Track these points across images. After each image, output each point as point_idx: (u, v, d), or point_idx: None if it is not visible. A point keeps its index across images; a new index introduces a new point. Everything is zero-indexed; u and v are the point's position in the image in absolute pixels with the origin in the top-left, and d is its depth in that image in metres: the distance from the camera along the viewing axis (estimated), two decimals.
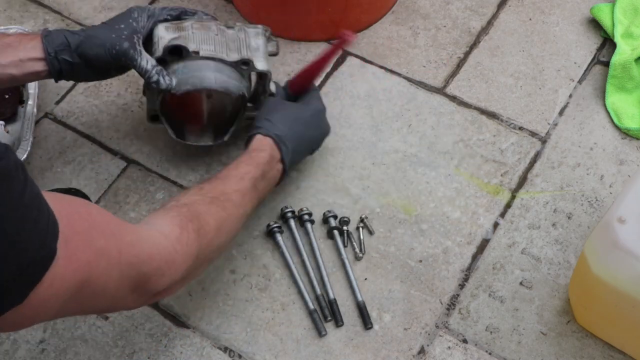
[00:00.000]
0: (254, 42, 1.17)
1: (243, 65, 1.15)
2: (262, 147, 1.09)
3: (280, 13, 1.38)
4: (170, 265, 0.89)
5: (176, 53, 1.12)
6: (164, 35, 1.13)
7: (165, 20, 1.15)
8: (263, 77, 1.18)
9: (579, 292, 1.06)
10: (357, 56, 1.38)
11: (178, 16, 1.16)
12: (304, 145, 1.16)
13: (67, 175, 1.25)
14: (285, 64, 1.37)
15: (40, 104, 1.30)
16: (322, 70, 1.19)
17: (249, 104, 1.19)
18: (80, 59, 1.09)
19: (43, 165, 1.27)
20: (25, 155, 1.19)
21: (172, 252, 0.89)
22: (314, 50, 1.38)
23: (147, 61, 1.10)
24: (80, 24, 1.43)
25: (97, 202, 1.22)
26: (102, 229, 0.81)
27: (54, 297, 0.74)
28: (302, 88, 1.20)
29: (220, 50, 1.14)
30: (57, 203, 0.74)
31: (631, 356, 1.06)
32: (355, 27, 1.40)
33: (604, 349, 1.07)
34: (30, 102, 1.25)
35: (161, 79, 1.10)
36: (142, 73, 1.10)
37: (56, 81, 1.11)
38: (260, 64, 1.16)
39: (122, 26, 1.11)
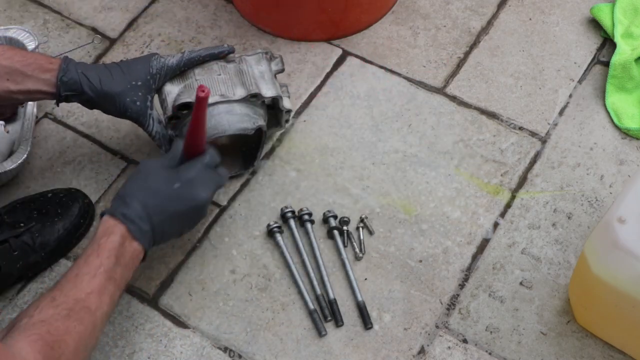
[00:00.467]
0: (257, 70, 1.17)
1: (252, 98, 1.15)
2: (110, 230, 0.99)
3: (280, 13, 1.38)
4: None
5: (186, 107, 1.13)
6: (171, 90, 1.14)
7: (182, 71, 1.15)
8: (275, 100, 1.18)
9: (579, 292, 1.06)
10: (357, 56, 1.38)
11: (192, 62, 1.15)
12: (168, 221, 1.03)
13: (67, 175, 1.25)
14: (285, 64, 1.36)
15: (40, 104, 1.30)
16: (198, 131, 1.04)
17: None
18: (91, 107, 1.12)
19: (43, 165, 1.27)
20: (25, 155, 1.19)
21: None
22: (313, 50, 1.38)
23: (154, 127, 1.13)
24: (80, 24, 1.43)
25: (97, 202, 1.22)
26: None
27: None
28: (193, 153, 1.06)
29: (226, 90, 1.14)
30: None
31: (631, 356, 1.06)
32: (355, 27, 1.40)
33: (604, 349, 1.07)
34: (30, 102, 1.25)
35: (163, 147, 1.15)
36: (151, 137, 1.15)
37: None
38: (269, 91, 1.16)
39: (139, 84, 1.11)
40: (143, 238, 1.00)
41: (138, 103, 1.11)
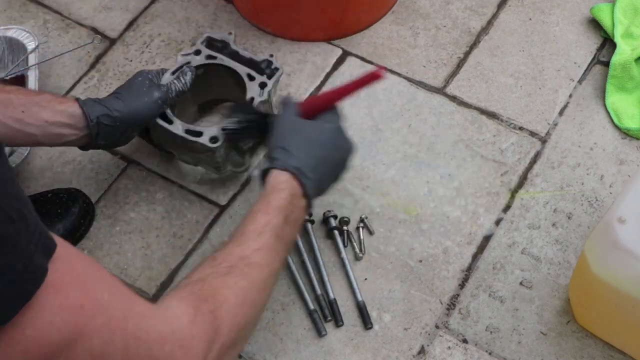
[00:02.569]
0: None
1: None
2: (280, 186, 0.95)
3: (280, 13, 1.38)
4: (187, 352, 0.77)
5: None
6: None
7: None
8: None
9: (579, 292, 1.06)
10: (357, 56, 1.38)
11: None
12: (328, 172, 1.01)
13: (67, 175, 1.25)
14: (285, 64, 1.37)
15: None
16: (341, 98, 1.06)
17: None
18: (123, 122, 1.09)
19: (43, 165, 1.27)
20: (25, 155, 1.19)
21: (187, 337, 0.78)
22: (313, 50, 1.38)
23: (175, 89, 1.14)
24: (80, 24, 1.43)
25: (97, 202, 1.22)
26: (110, 286, 0.73)
27: (37, 341, 0.65)
28: (314, 111, 1.06)
29: None
30: (59, 240, 0.68)
31: (631, 356, 1.06)
32: (355, 27, 1.40)
33: (604, 349, 1.07)
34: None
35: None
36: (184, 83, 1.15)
37: (82, 148, 1.11)
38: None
39: (158, 95, 1.12)
40: (311, 192, 0.97)
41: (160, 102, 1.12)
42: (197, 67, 1.19)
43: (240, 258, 0.88)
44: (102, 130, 1.07)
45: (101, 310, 0.70)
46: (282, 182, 0.96)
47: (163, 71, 1.17)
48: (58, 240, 0.69)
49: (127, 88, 1.12)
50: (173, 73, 1.17)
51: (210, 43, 1.23)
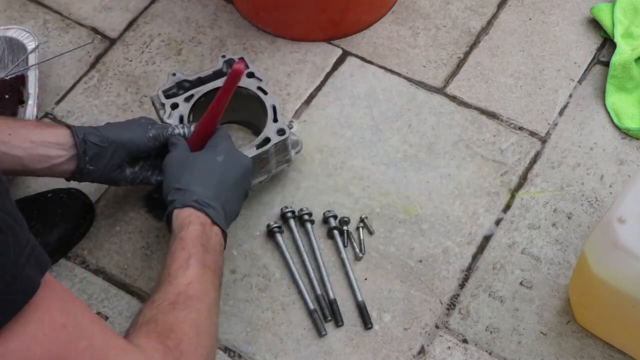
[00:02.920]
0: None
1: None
2: (187, 221, 0.95)
3: (280, 13, 1.38)
4: None
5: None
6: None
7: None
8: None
9: (579, 292, 1.06)
10: (357, 56, 1.38)
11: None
12: (231, 194, 1.02)
13: None
14: (285, 64, 1.37)
15: (40, 104, 1.30)
16: (218, 113, 1.05)
17: None
18: (110, 144, 1.04)
19: None
20: None
21: None
22: (313, 50, 1.38)
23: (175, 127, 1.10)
24: (80, 24, 1.43)
25: (97, 202, 1.22)
26: (88, 314, 0.73)
27: (20, 355, 0.65)
28: (203, 141, 1.06)
29: None
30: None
31: (631, 356, 1.06)
32: (355, 27, 1.40)
33: (604, 349, 1.07)
34: (30, 102, 1.25)
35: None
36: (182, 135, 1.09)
37: (68, 179, 1.06)
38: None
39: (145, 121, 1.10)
40: (220, 220, 0.98)
41: (156, 129, 1.08)
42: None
43: (178, 294, 0.88)
44: (89, 150, 1.02)
45: (83, 335, 0.70)
46: (186, 217, 0.96)
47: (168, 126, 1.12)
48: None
49: (124, 121, 1.10)
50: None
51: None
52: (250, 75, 1.20)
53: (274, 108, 1.17)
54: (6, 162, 0.98)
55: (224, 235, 0.99)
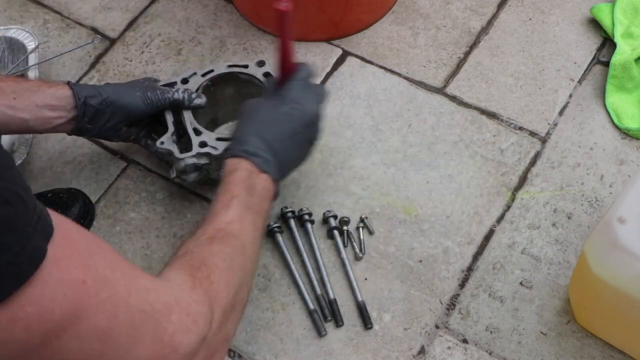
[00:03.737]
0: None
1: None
2: (234, 167, 1.00)
3: None
4: (195, 318, 0.78)
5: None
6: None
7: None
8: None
9: (579, 292, 1.06)
10: (357, 56, 1.38)
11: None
12: (290, 144, 1.04)
13: (67, 175, 1.25)
14: None
15: None
16: (286, 48, 1.07)
17: None
18: (109, 107, 1.09)
19: (43, 165, 1.27)
20: (25, 155, 1.19)
21: (192, 304, 0.79)
22: (314, 50, 1.38)
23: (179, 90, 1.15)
24: (80, 24, 1.43)
25: (97, 202, 1.22)
26: (111, 261, 0.73)
27: (38, 317, 0.65)
28: (286, 78, 1.09)
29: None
30: (58, 217, 0.68)
31: (631, 356, 1.06)
32: (355, 27, 1.40)
33: (604, 349, 1.07)
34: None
35: (197, 99, 1.15)
36: (181, 100, 1.14)
37: (69, 133, 1.11)
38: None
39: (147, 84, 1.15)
40: (269, 168, 1.00)
41: (158, 92, 1.13)
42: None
43: (217, 230, 0.91)
44: (88, 111, 1.08)
45: (104, 286, 0.70)
46: (234, 164, 1.00)
47: (174, 84, 1.18)
48: (58, 217, 0.69)
49: (125, 82, 1.16)
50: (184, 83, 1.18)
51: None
52: (267, 74, 1.20)
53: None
54: (13, 124, 1.04)
55: (276, 183, 1.02)
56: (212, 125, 1.25)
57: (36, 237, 0.65)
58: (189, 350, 0.77)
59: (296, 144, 1.06)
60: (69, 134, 1.11)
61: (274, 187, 1.02)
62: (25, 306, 0.65)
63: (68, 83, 1.09)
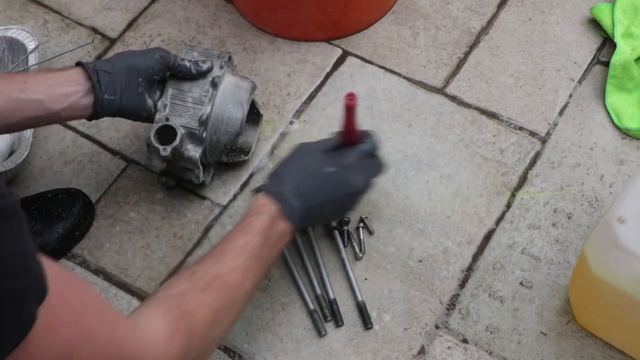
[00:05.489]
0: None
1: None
2: (261, 210, 0.99)
3: (280, 13, 1.38)
4: None
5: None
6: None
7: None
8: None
9: (579, 292, 1.06)
10: (357, 56, 1.38)
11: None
12: (322, 202, 1.03)
13: (67, 175, 1.25)
14: (285, 64, 1.37)
15: None
16: (352, 128, 1.07)
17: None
18: (121, 69, 1.07)
19: (43, 165, 1.27)
20: (25, 155, 1.19)
21: (166, 353, 0.82)
22: (313, 50, 1.38)
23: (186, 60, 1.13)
24: (80, 24, 1.43)
25: (97, 202, 1.22)
26: (97, 312, 0.76)
27: None
28: (351, 141, 1.08)
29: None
30: (54, 272, 0.69)
31: (631, 356, 1.06)
32: (355, 27, 1.40)
33: (604, 349, 1.07)
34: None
35: (206, 65, 1.14)
36: (186, 68, 1.13)
37: (91, 118, 1.08)
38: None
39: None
40: (294, 216, 1.00)
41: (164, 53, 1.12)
42: None
43: (217, 276, 0.92)
44: (102, 78, 1.05)
45: (88, 341, 0.73)
46: (263, 205, 0.99)
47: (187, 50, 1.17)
48: (54, 270, 0.70)
49: (133, 50, 1.16)
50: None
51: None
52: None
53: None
54: (28, 110, 1.02)
55: (295, 231, 1.02)
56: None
57: (29, 303, 0.66)
58: None
59: (330, 206, 1.06)
60: (92, 115, 1.07)
61: (291, 235, 1.02)
62: None
63: (76, 64, 1.08)
